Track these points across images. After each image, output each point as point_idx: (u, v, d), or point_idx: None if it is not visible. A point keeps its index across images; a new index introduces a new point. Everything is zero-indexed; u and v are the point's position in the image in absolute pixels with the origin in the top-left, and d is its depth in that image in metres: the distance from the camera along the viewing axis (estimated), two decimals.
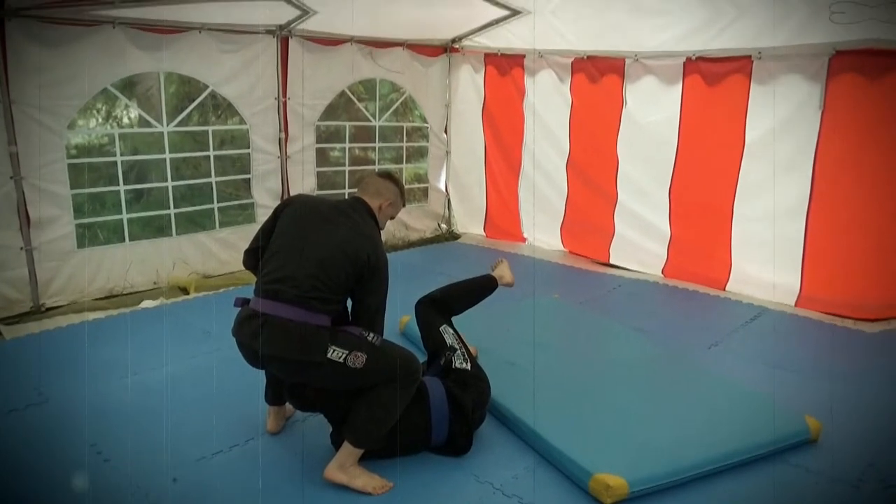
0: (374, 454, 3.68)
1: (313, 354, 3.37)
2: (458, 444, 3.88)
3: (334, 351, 3.39)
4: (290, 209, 3.74)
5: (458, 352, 4.20)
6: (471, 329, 4.81)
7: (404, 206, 4.11)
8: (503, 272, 4.96)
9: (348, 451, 3.55)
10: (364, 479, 3.54)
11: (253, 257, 3.77)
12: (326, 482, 3.55)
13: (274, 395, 4.04)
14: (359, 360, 3.43)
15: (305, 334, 3.38)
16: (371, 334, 3.54)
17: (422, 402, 3.78)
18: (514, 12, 7.94)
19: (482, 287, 4.82)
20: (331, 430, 3.85)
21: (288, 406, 4.14)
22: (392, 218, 4.02)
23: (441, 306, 4.53)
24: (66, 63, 6.00)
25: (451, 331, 4.37)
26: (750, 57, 6.64)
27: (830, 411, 4.37)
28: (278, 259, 3.56)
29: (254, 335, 3.43)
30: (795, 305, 6.73)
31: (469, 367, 4.13)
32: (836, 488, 3.69)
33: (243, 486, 3.58)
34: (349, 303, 3.72)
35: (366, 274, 3.55)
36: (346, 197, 4.03)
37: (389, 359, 3.54)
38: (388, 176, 3.99)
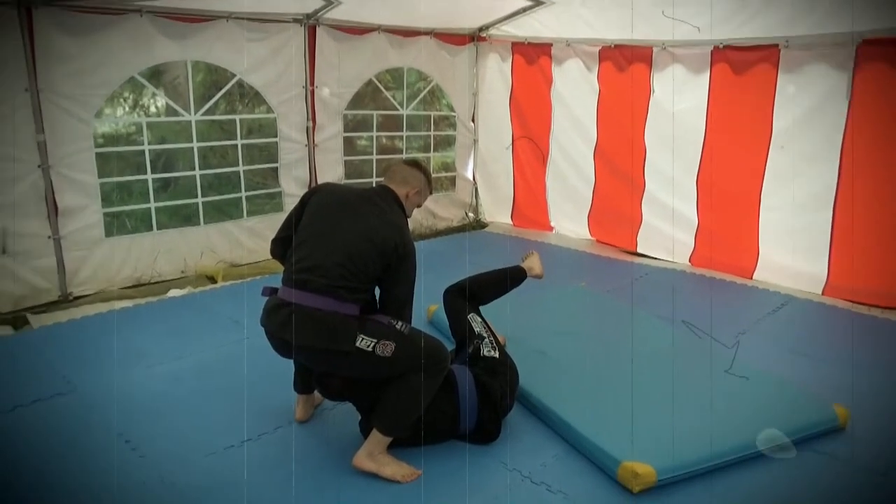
0: (402, 442, 3.68)
1: (342, 344, 3.37)
2: (486, 431, 3.87)
3: (363, 340, 3.39)
4: (317, 198, 3.73)
5: (487, 340, 4.20)
6: (499, 318, 4.80)
7: (431, 194, 4.10)
8: (533, 264, 4.97)
9: (377, 440, 3.56)
10: (393, 468, 3.55)
11: (280, 246, 3.78)
12: (355, 470, 3.56)
13: (303, 384, 4.05)
14: (387, 348, 3.43)
15: (334, 323, 3.38)
16: (399, 323, 3.54)
17: (450, 390, 3.78)
18: (540, 2, 7.89)
19: (511, 278, 4.82)
20: (359, 418, 3.86)
21: (317, 394, 4.14)
22: (419, 206, 4.00)
23: (469, 295, 4.53)
24: (94, 52, 6.03)
25: (480, 319, 4.38)
26: (777, 45, 6.58)
27: (858, 400, 4.34)
28: (306, 248, 3.55)
29: (282, 325, 3.43)
30: (822, 294, 6.71)
31: (497, 355, 4.13)
32: (863, 477, 3.67)
33: (272, 474, 3.59)
34: (377, 291, 3.71)
35: (393, 263, 3.53)
36: (374, 185, 4.02)
37: (418, 347, 3.52)
38: (415, 164, 3.97)
